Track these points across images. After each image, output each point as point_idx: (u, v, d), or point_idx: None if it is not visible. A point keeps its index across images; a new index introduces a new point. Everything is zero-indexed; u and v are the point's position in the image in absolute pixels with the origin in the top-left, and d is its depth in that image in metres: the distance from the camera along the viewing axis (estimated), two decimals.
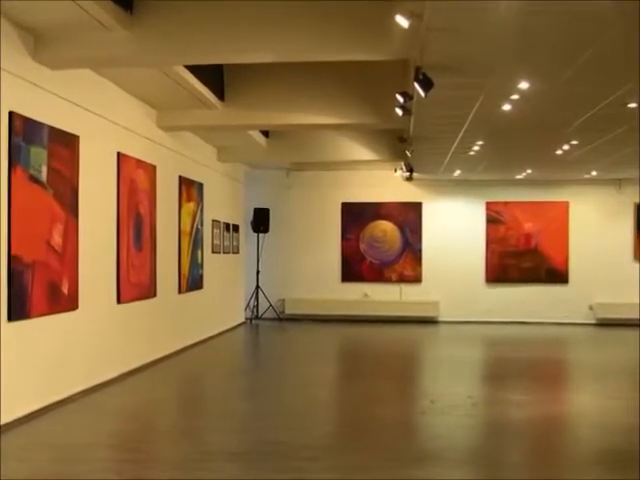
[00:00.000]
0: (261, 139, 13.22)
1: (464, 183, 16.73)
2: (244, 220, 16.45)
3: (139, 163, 9.90)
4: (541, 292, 16.78)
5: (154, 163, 10.44)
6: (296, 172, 17.01)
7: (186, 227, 12.07)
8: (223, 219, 14.64)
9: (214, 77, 9.93)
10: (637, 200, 16.61)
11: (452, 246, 16.98)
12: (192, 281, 12.38)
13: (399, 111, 8.86)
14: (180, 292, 11.83)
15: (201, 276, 12.94)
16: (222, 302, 14.59)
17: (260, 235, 16.67)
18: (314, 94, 10.13)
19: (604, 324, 16.37)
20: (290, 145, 13.98)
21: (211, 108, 10.09)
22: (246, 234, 16.57)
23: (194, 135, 12.54)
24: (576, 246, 16.84)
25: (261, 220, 16.54)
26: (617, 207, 16.73)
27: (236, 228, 15.72)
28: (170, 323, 11.34)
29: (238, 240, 15.97)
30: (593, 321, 16.61)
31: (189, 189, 12.27)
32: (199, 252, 12.81)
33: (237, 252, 15.90)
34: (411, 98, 8.26)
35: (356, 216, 17.20)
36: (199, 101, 9.69)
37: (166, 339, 11.16)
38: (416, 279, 17.11)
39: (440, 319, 16.88)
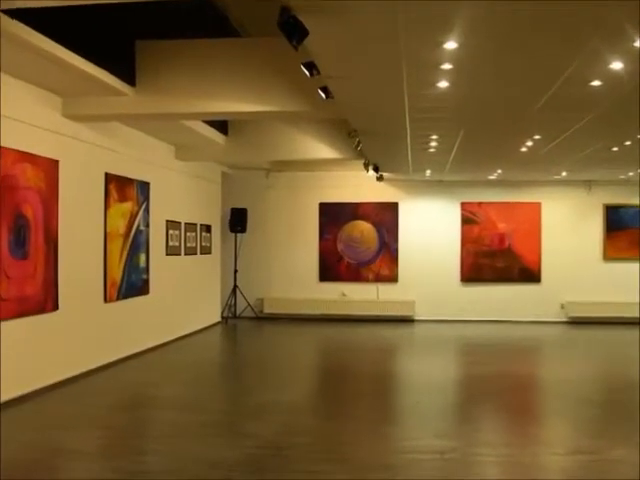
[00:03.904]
0: (218, 137, 13.70)
1: (439, 184, 18.57)
2: (222, 220, 18.09)
3: (23, 156, 9.09)
4: (514, 291, 18.65)
5: (55, 158, 9.92)
6: (275, 173, 18.76)
7: (118, 229, 12.11)
8: (187, 220, 15.47)
9: (122, 59, 9.50)
10: (606, 201, 18.56)
11: (428, 246, 18.79)
12: (128, 288, 12.52)
13: (322, 94, 8.23)
14: (107, 301, 11.78)
15: (145, 281, 13.28)
16: (184, 305, 15.27)
17: (238, 235, 18.39)
18: (237, 79, 9.60)
19: (575, 322, 18.29)
20: (249, 144, 14.43)
21: (119, 95, 9.56)
22: (223, 234, 18.21)
23: (137, 131, 12.64)
24: (548, 246, 18.72)
25: (238, 220, 18.26)
26: (587, 208, 18.67)
27: (208, 228, 16.95)
28: (87, 337, 11.06)
29: (210, 240, 17.13)
30: (564, 319, 18.51)
31: (123, 188, 12.28)
32: (142, 256, 13.14)
33: (209, 252, 17.02)
34: (319, 71, 7.26)
35: (334, 216, 18.94)
36: (105, 87, 9.23)
37: (76, 356, 10.74)
38: (392, 279, 18.88)
39: (416, 318, 18.66)
